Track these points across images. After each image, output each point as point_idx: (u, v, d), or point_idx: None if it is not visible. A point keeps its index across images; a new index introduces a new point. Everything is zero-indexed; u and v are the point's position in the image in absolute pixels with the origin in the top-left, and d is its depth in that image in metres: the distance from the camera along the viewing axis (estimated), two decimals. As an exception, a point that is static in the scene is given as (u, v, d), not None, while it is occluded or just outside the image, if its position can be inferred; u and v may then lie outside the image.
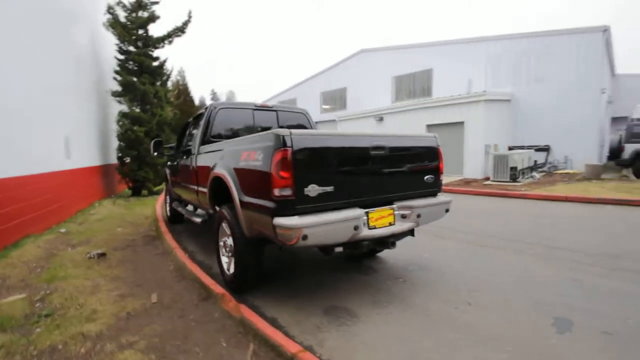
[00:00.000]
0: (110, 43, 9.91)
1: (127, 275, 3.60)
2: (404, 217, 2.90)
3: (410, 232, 3.04)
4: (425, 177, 3.17)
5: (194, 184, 4.24)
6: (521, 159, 11.78)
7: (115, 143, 9.63)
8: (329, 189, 2.47)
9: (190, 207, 5.65)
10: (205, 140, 4.15)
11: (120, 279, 3.51)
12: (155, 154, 6.01)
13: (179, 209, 5.43)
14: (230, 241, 3.17)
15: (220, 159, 3.27)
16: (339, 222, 2.37)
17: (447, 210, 3.22)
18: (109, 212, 7.29)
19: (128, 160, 9.54)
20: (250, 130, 4.54)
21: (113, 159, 9.97)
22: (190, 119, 5.23)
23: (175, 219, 6.39)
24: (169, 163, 6.32)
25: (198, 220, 4.26)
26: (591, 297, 2.90)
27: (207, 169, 3.64)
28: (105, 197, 9.23)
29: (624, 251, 4.06)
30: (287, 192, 2.28)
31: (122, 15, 9.46)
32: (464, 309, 2.73)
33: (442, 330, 2.41)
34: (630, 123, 10.51)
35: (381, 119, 17.64)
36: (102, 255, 4.27)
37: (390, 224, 2.82)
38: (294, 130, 2.34)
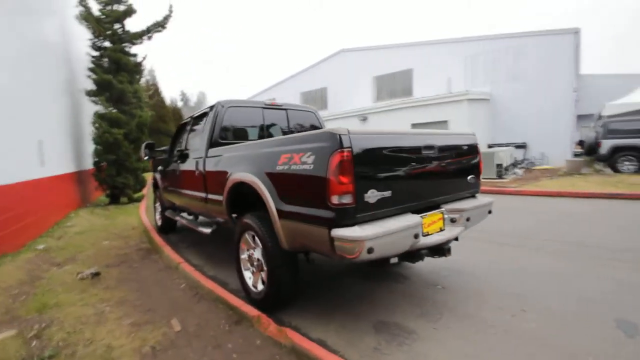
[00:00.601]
0: (80, 39, 9.09)
1: (134, 298, 3.15)
2: (453, 221, 2.70)
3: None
4: (468, 177, 2.98)
5: (201, 190, 3.83)
6: (505, 156, 12.10)
7: (90, 147, 8.83)
8: (387, 194, 2.21)
9: (189, 216, 5.19)
10: (213, 142, 3.75)
11: (126, 303, 3.05)
12: (147, 158, 5.48)
13: (178, 218, 4.96)
14: (257, 254, 2.83)
15: (244, 163, 2.91)
16: (402, 230, 2.11)
17: (489, 212, 3.05)
18: (89, 224, 6.61)
19: (105, 165, 8.77)
20: (261, 130, 4.20)
21: (88, 164, 9.15)
22: (189, 119, 4.78)
23: (167, 229, 5.88)
24: (159, 168, 5.80)
25: (207, 231, 3.85)
26: (635, 295, 2.83)
27: (222, 175, 3.26)
28: (81, 206, 8.43)
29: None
30: (348, 199, 1.99)
31: (95, 8, 8.69)
32: (522, 317, 2.56)
33: (514, 344, 2.22)
34: (607, 120, 11.03)
35: (365, 119, 17.61)
36: (96, 274, 3.76)
37: (441, 230, 2.60)
38: (351, 129, 2.06)
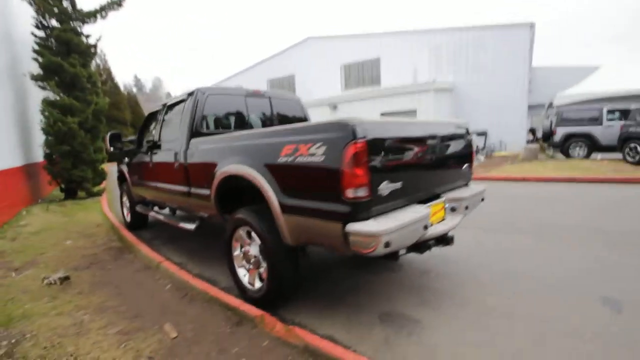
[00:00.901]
0: (23, 17, 8.04)
1: (116, 304, 2.88)
2: (453, 210, 2.73)
3: None
4: (463, 166, 3.03)
5: (182, 184, 3.56)
6: (470, 144, 12.67)
7: (40, 137, 7.94)
8: (398, 185, 2.16)
9: (165, 210, 4.86)
10: (195, 132, 3.49)
11: (108, 309, 2.78)
12: (112, 149, 5.02)
13: (152, 213, 4.61)
14: (254, 250, 2.69)
15: (236, 155, 2.72)
16: (415, 222, 2.08)
17: (482, 199, 3.13)
18: (45, 222, 5.98)
19: (57, 157, 7.96)
20: (243, 119, 3.97)
21: (38, 157, 8.25)
22: (161, 107, 4.41)
23: (138, 225, 5.48)
24: (126, 160, 5.34)
25: (191, 227, 3.60)
26: (615, 271, 3.07)
27: (209, 167, 3.05)
28: (32, 203, 7.61)
29: (628, 228, 4.47)
30: (363, 192, 1.92)
31: (39, -19, 7.69)
32: (519, 299, 2.67)
33: (521, 326, 2.30)
34: (561, 109, 11.87)
35: (335, 107, 17.56)
36: (66, 279, 3.39)
37: (443, 219, 2.62)
38: (364, 118, 1.97)
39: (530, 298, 2.68)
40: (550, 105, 16.38)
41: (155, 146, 4.23)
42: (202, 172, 3.23)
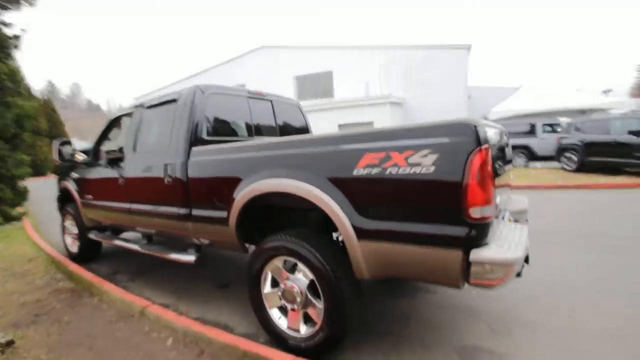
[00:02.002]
0: None
1: (101, 377, 2.04)
2: (517, 222, 2.49)
3: None
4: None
5: (178, 205, 2.82)
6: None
7: None
8: (498, 199, 1.83)
9: (133, 238, 3.91)
10: (196, 139, 2.80)
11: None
12: (61, 161, 3.96)
13: (118, 242, 3.66)
14: (299, 286, 2.12)
15: (275, 166, 2.15)
16: (526, 243, 1.76)
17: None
18: (-52, 260, 4.49)
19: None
20: (248, 124, 3.36)
21: None
22: (132, 110, 3.57)
23: (87, 256, 4.39)
24: (74, 175, 4.26)
25: (189, 258, 2.85)
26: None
27: (228, 183, 2.42)
28: None
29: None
30: (489, 210, 1.54)
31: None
32: (590, 317, 2.49)
33: (611, 346, 2.10)
34: (502, 123, 13.05)
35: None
36: (8, 344, 2.39)
37: (513, 234, 2.36)
38: (479, 120, 1.61)
39: (600, 317, 2.52)
40: (485, 119, 17.97)
41: (125, 158, 3.38)
42: (213, 190, 2.56)
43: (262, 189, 2.17)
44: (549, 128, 12.29)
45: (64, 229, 4.66)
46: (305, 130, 4.18)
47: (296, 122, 4.04)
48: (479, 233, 1.53)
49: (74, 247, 4.50)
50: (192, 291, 3.34)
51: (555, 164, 11.08)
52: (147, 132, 3.34)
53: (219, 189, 2.49)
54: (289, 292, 2.17)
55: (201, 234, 2.76)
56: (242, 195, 2.30)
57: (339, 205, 1.85)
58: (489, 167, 1.53)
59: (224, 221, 2.48)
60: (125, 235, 4.31)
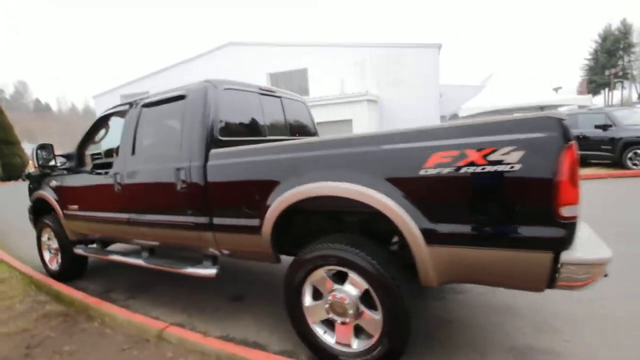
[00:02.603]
0: None
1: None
2: None
3: None
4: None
5: (194, 213, 2.54)
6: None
7: None
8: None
9: (132, 251, 3.53)
10: (212, 140, 2.54)
11: None
12: (43, 166, 3.50)
13: (115, 257, 3.29)
14: (350, 297, 1.96)
15: (327, 168, 1.96)
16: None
17: None
18: None
19: None
20: (259, 123, 3.13)
21: None
22: (126, 108, 3.20)
23: (71, 273, 3.93)
24: (54, 183, 3.79)
25: (211, 272, 2.58)
26: None
27: (261, 187, 2.20)
28: None
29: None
30: (577, 209, 1.47)
31: None
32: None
33: None
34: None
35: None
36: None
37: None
38: (562, 113, 1.53)
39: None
40: (456, 116, 18.71)
41: (120, 162, 3.03)
42: (241, 195, 2.32)
43: (308, 193, 1.97)
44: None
45: (40, 245, 4.13)
46: (312, 129, 4.01)
47: (304, 121, 3.85)
48: (569, 233, 1.46)
49: (54, 264, 4.02)
50: (203, 307, 3.06)
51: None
52: (148, 133, 3.02)
53: (249, 194, 2.26)
54: (339, 304, 2.00)
55: (224, 245, 2.51)
56: (280, 200, 2.09)
57: (403, 208, 1.71)
58: (577, 164, 1.46)
59: (255, 230, 2.25)
60: (113, 247, 3.92)
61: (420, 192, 1.70)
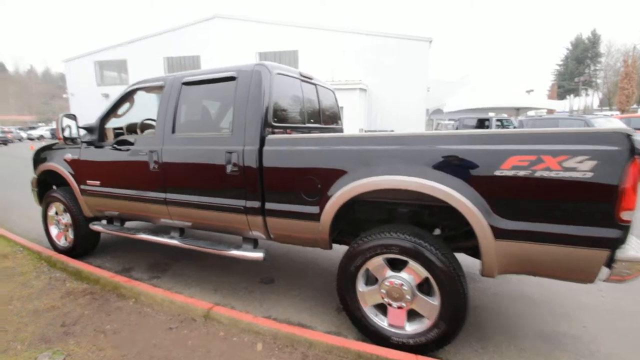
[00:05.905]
0: None
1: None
2: None
3: None
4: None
5: (248, 197, 2.57)
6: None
7: None
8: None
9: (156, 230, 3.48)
10: (266, 125, 2.55)
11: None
12: (66, 140, 3.33)
13: (147, 236, 3.23)
14: (408, 284, 2.12)
15: (400, 162, 2.05)
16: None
17: None
18: None
19: None
20: (301, 110, 3.16)
21: None
22: (160, 84, 3.10)
23: (83, 250, 3.82)
24: (69, 157, 3.61)
25: (259, 255, 2.64)
26: None
27: (327, 175, 2.26)
28: None
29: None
30: (633, 214, 1.69)
31: None
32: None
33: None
34: (462, 117, 14.07)
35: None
36: (63, 365, 2.01)
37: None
38: (630, 129, 1.73)
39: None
40: (440, 111, 19.28)
41: (158, 140, 2.96)
42: (302, 182, 2.37)
43: (384, 185, 2.06)
44: (499, 123, 13.62)
45: (46, 219, 3.95)
46: (339, 118, 4.08)
47: (334, 109, 3.90)
48: (625, 234, 1.68)
49: (62, 240, 3.87)
50: (235, 288, 3.11)
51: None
52: (191, 112, 2.96)
53: (310, 182, 2.32)
54: (397, 290, 2.15)
55: (275, 230, 2.57)
56: (345, 190, 2.18)
57: (475, 205, 1.87)
58: (639, 175, 1.67)
59: (313, 217, 2.33)
60: (129, 225, 3.85)
61: (493, 190, 1.86)
